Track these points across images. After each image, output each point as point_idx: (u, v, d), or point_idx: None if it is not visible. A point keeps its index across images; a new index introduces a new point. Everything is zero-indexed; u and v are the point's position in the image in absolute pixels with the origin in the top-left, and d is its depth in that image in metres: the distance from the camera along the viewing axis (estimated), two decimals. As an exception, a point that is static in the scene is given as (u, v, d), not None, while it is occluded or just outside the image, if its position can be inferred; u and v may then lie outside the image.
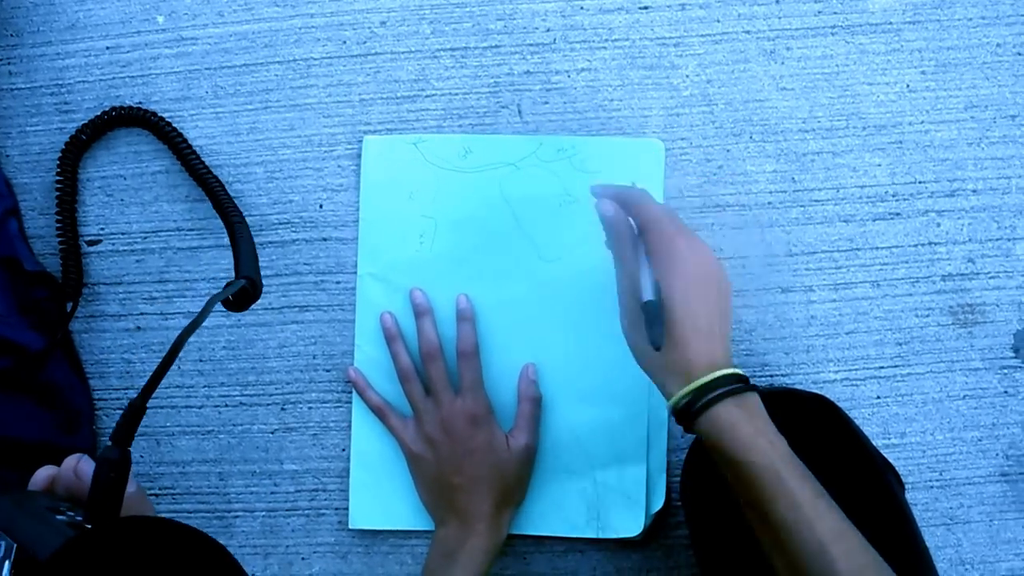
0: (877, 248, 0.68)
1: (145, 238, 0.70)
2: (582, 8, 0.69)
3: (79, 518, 0.44)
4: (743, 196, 0.68)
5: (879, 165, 0.68)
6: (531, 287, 0.67)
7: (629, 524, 0.66)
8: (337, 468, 0.69)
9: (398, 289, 0.68)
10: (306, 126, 0.70)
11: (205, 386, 0.70)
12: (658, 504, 0.66)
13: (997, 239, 0.68)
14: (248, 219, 0.69)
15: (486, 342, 0.67)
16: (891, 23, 0.68)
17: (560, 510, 0.67)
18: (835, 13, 0.68)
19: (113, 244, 0.70)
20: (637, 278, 0.53)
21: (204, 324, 0.70)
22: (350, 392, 0.69)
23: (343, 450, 0.69)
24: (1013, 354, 0.68)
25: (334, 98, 0.69)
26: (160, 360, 0.46)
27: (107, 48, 0.70)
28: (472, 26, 0.69)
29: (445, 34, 0.69)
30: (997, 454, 0.67)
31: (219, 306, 0.70)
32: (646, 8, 0.69)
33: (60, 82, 0.70)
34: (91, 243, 0.70)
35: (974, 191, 0.68)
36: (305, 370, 0.69)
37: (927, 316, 0.68)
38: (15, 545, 0.40)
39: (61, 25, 0.70)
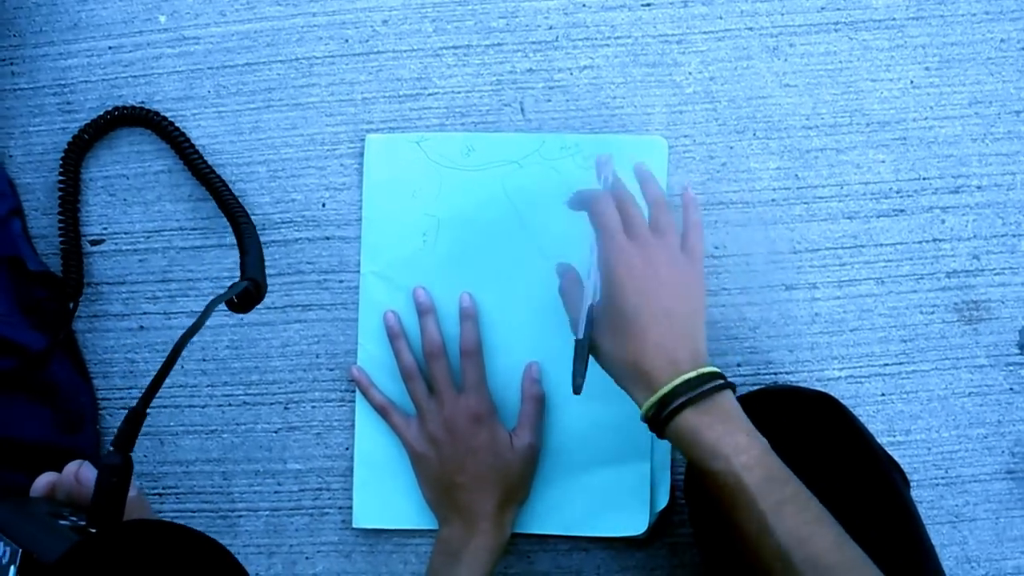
0: (881, 245, 0.68)
1: (148, 238, 0.70)
2: (584, 6, 0.69)
3: (82, 523, 0.44)
4: (746, 193, 0.68)
5: (883, 162, 0.68)
6: (534, 285, 0.67)
7: (633, 522, 0.65)
8: (341, 467, 0.69)
9: (401, 288, 0.68)
10: (308, 125, 0.69)
11: (208, 385, 0.70)
12: (662, 502, 0.66)
13: (1002, 235, 0.67)
14: (251, 218, 0.69)
15: (489, 340, 0.67)
16: (894, 19, 0.68)
17: (564, 508, 0.66)
18: (838, 9, 0.68)
19: (116, 244, 0.70)
20: (576, 319, 0.55)
21: (208, 323, 0.70)
22: (353, 391, 0.69)
23: (347, 449, 0.69)
24: (1019, 351, 0.67)
25: (336, 97, 0.69)
26: (161, 363, 0.46)
27: (109, 48, 0.70)
28: (474, 24, 0.69)
29: (447, 32, 0.69)
30: (1003, 451, 0.67)
31: (223, 306, 0.70)
32: (648, 5, 0.68)
33: (63, 82, 0.70)
34: (94, 243, 0.70)
35: (979, 187, 0.68)
36: (308, 369, 0.69)
37: (932, 313, 0.67)
38: (20, 551, 0.40)
39: (63, 25, 0.70)
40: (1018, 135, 0.67)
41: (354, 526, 0.68)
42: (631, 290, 0.52)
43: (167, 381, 0.71)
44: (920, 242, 0.68)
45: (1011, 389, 0.67)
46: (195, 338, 0.70)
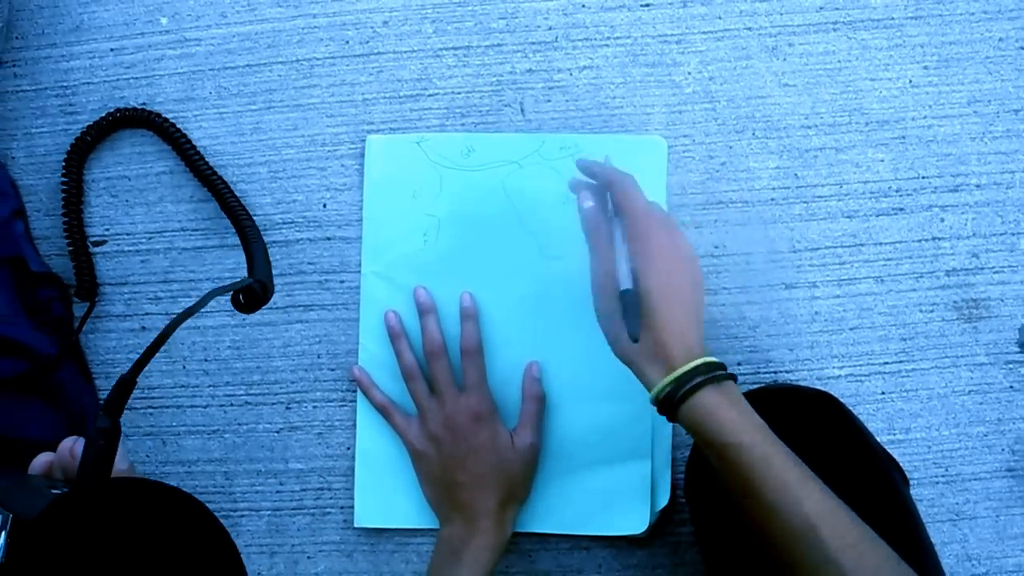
0: (881, 244, 0.68)
1: (150, 238, 0.70)
2: (584, 6, 0.69)
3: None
4: (746, 193, 0.68)
5: (882, 161, 0.68)
6: (534, 284, 0.67)
7: (634, 521, 0.66)
8: (342, 467, 0.69)
9: (402, 287, 0.68)
10: (309, 126, 0.70)
11: (210, 386, 0.70)
12: (663, 501, 0.66)
13: (1001, 234, 0.68)
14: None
15: (490, 340, 0.67)
16: (893, 18, 0.68)
17: (565, 507, 0.67)
18: (837, 9, 0.68)
19: (118, 244, 0.71)
20: (612, 268, 0.54)
21: (209, 324, 0.70)
22: (355, 391, 0.69)
23: (348, 449, 0.69)
24: (1018, 349, 0.67)
25: (337, 98, 0.70)
26: (156, 341, 0.46)
27: (111, 50, 0.71)
28: (474, 25, 0.69)
29: (447, 33, 0.69)
30: (1003, 449, 0.67)
31: (227, 306, 0.70)
32: (648, 5, 0.69)
33: (65, 84, 0.71)
34: (96, 244, 0.71)
35: (978, 186, 0.68)
36: (310, 369, 0.69)
37: (931, 311, 0.68)
38: (10, 516, 0.41)
39: (65, 27, 0.71)
40: (1017, 133, 0.68)
41: (356, 525, 0.68)
42: (659, 270, 0.52)
43: (169, 382, 0.71)
44: (919, 241, 0.68)
45: (1011, 387, 0.67)
46: (197, 338, 0.70)
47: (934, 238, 0.68)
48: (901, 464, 0.62)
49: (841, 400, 0.62)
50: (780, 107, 0.68)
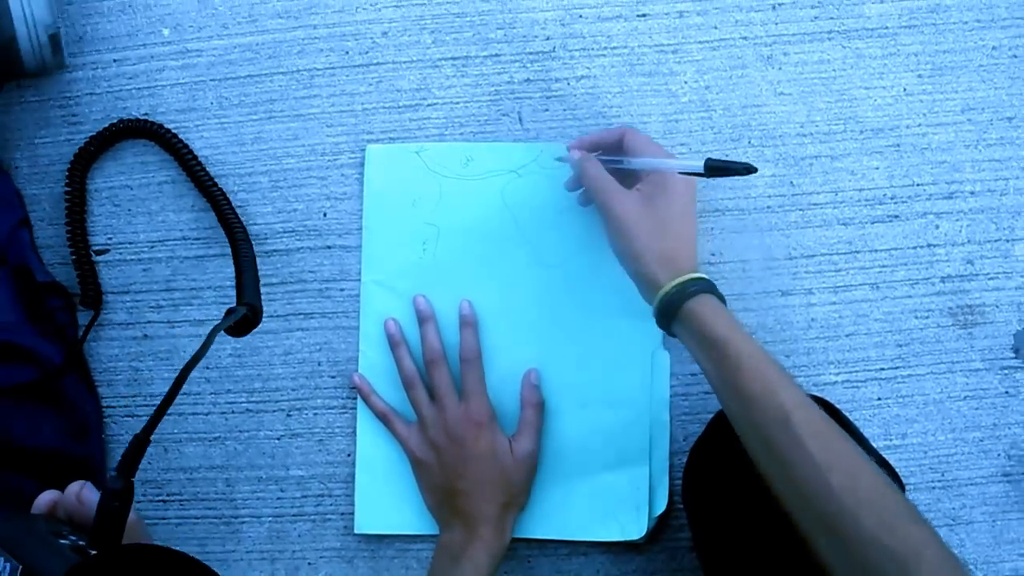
0: (876, 251, 0.68)
1: (152, 247, 0.71)
2: (581, 16, 0.70)
3: (81, 543, 0.45)
4: (742, 200, 0.69)
5: (877, 168, 0.68)
6: (533, 292, 0.68)
7: (632, 527, 0.66)
8: (343, 473, 0.70)
9: (401, 296, 0.69)
10: (310, 136, 0.70)
11: (212, 393, 0.70)
12: (661, 507, 0.66)
13: (996, 240, 0.68)
14: (253, 228, 0.70)
15: (489, 347, 0.67)
16: (887, 27, 0.69)
17: (563, 513, 0.67)
18: (831, 18, 0.69)
19: (120, 253, 0.71)
20: (625, 191, 0.59)
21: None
22: (355, 398, 0.69)
23: (348, 455, 0.70)
24: (1013, 354, 0.68)
25: (337, 108, 0.70)
26: (165, 379, 0.47)
27: (114, 61, 0.72)
28: (472, 35, 0.70)
29: (446, 43, 0.70)
30: (999, 454, 0.68)
31: (220, 314, 0.70)
32: (644, 16, 0.69)
33: (68, 95, 0.72)
34: (99, 252, 0.71)
35: (972, 193, 0.68)
36: (310, 376, 0.70)
37: (927, 318, 0.68)
38: (20, 567, 0.41)
39: (69, 39, 0.71)
40: (1010, 141, 0.68)
41: (356, 532, 0.69)
42: (675, 192, 0.58)
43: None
44: (915, 247, 0.68)
45: (1006, 392, 0.68)
46: (197, 346, 0.71)
47: (929, 245, 0.68)
48: (898, 469, 0.63)
49: (837, 406, 0.63)
50: (776, 115, 0.69)
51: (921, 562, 0.42)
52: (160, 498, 0.71)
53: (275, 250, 0.70)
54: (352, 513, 0.69)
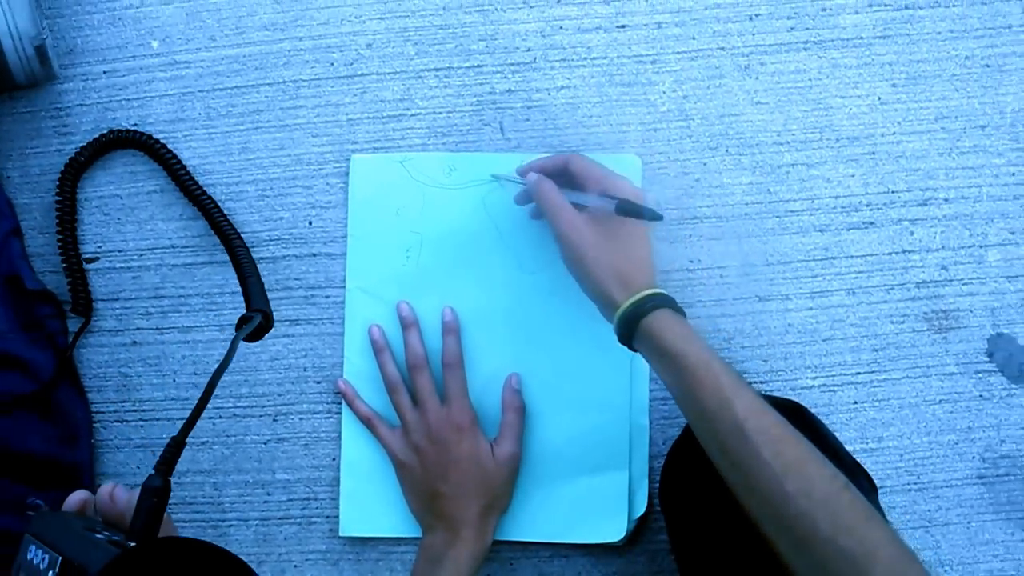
0: (852, 257, 0.69)
1: (141, 255, 0.72)
2: (561, 28, 0.71)
3: (115, 538, 0.47)
4: (720, 208, 0.70)
5: (853, 176, 0.70)
6: (514, 298, 0.69)
7: (612, 529, 0.67)
8: (328, 477, 0.71)
9: (385, 302, 0.70)
10: (295, 145, 0.72)
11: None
12: (640, 509, 0.67)
13: (969, 246, 0.69)
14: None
15: (471, 353, 0.69)
16: (862, 38, 0.70)
17: (545, 516, 0.68)
18: (807, 29, 0.70)
19: (110, 261, 0.72)
20: (575, 214, 0.60)
21: (199, 339, 0.72)
22: (340, 403, 0.71)
23: (333, 459, 0.71)
24: (987, 358, 0.69)
25: (322, 118, 0.72)
26: (199, 399, 0.49)
27: (104, 72, 0.73)
28: (455, 47, 0.71)
29: (429, 55, 0.71)
30: (973, 457, 0.69)
31: (216, 320, 0.72)
32: (623, 27, 0.71)
33: (59, 105, 0.73)
34: (89, 260, 0.72)
35: (946, 200, 0.69)
36: (296, 382, 0.71)
37: (902, 323, 0.69)
38: (60, 558, 0.43)
39: (60, 50, 0.73)
40: (983, 149, 0.69)
41: (341, 535, 0.70)
42: (620, 221, 0.59)
43: (160, 395, 0.73)
44: (890, 253, 0.69)
45: (980, 396, 0.69)
46: (187, 352, 0.72)
47: (904, 251, 0.69)
48: (874, 472, 0.64)
49: (814, 410, 0.64)
50: (753, 124, 0.70)
51: (876, 561, 0.43)
52: (149, 502, 0.72)
53: (261, 257, 0.71)
54: (337, 516, 0.70)
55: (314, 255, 0.71)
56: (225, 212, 0.71)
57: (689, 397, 0.53)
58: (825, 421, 0.65)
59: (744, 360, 0.69)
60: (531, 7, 0.71)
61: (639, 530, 0.69)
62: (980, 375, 0.69)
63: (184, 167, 0.71)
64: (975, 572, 0.69)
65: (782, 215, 0.70)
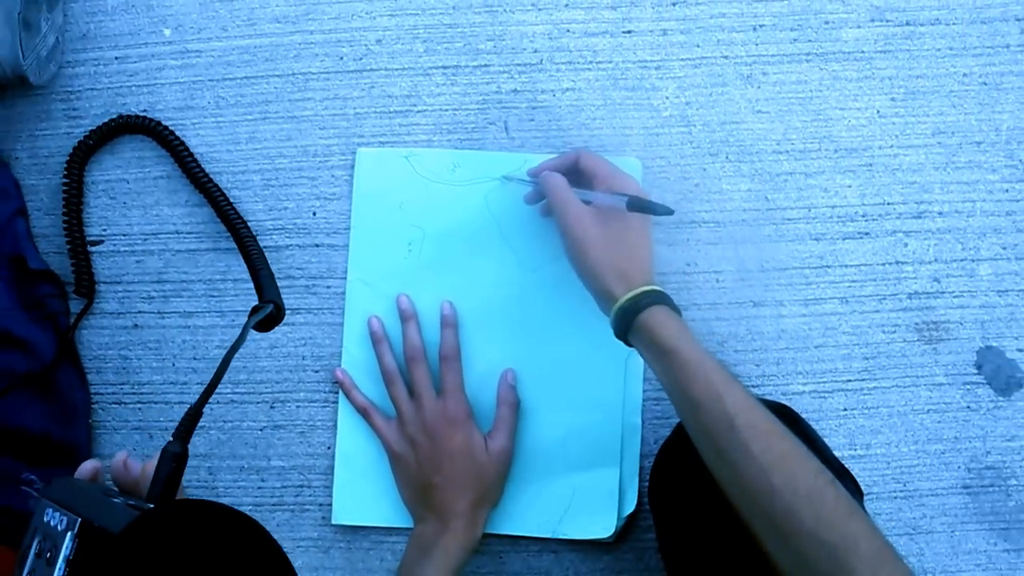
0: (846, 266, 0.71)
1: (145, 240, 0.73)
2: (568, 31, 0.72)
3: (132, 502, 0.48)
4: (718, 213, 0.71)
5: (849, 186, 0.71)
6: (512, 295, 0.70)
7: (602, 526, 0.68)
8: (322, 465, 0.71)
9: (385, 295, 0.71)
10: (302, 137, 0.73)
11: (198, 383, 0.72)
12: (630, 507, 0.68)
13: (962, 260, 0.70)
14: (244, 224, 0.72)
15: (468, 347, 0.69)
16: (863, 52, 0.71)
17: (535, 511, 0.69)
18: (810, 41, 0.71)
19: (114, 245, 0.73)
20: (583, 209, 0.61)
21: (199, 324, 0.73)
22: (337, 392, 0.71)
23: (328, 448, 0.71)
24: (976, 370, 0.70)
25: (330, 111, 0.73)
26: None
27: (116, 58, 0.74)
28: (463, 45, 0.72)
29: (437, 53, 0.72)
30: (959, 467, 0.70)
31: (217, 306, 0.73)
32: (629, 32, 0.72)
33: (70, 89, 0.74)
34: (93, 243, 0.73)
35: (940, 213, 0.71)
36: (294, 370, 0.72)
37: (894, 332, 0.70)
38: (79, 520, 0.44)
39: (73, 35, 0.74)
40: (978, 165, 0.71)
41: (333, 523, 0.70)
42: (624, 217, 0.60)
43: (158, 378, 0.74)
44: (883, 264, 0.71)
45: (968, 407, 0.70)
46: (187, 337, 0.73)
47: (897, 262, 0.71)
48: (861, 479, 0.65)
49: (804, 416, 0.65)
50: (753, 132, 0.71)
51: (856, 553, 0.44)
52: (144, 484, 0.72)
53: (265, 246, 0.72)
54: (330, 504, 0.71)
55: (317, 246, 0.72)
56: (231, 200, 0.72)
57: (681, 391, 0.54)
58: (815, 427, 0.66)
59: (737, 364, 0.70)
60: (539, 9, 0.72)
61: (628, 528, 0.69)
62: (968, 386, 0.70)
63: (191, 154, 0.72)
64: (957, 581, 0.70)
65: (779, 222, 0.71)
